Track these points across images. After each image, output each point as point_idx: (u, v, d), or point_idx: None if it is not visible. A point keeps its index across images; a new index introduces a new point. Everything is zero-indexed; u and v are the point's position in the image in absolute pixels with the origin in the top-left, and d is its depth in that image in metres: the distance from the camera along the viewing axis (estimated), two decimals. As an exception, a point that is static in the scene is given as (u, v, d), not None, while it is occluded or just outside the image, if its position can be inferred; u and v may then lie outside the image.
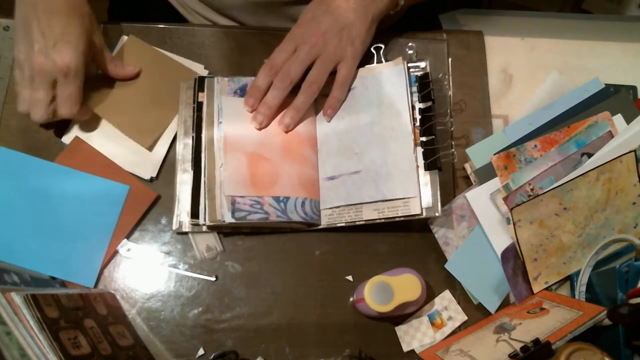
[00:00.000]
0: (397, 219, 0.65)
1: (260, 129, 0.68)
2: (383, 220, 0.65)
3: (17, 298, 0.50)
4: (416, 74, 0.69)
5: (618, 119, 0.69)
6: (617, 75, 0.77)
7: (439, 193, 0.64)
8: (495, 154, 0.68)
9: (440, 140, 0.66)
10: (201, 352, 0.64)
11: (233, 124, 0.67)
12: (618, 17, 0.84)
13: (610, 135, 0.68)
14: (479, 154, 0.69)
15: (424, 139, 0.66)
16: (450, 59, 0.76)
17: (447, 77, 0.75)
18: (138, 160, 0.68)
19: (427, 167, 0.65)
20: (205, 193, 0.63)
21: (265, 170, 0.66)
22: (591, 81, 0.73)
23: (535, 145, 0.68)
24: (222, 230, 0.67)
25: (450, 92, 0.75)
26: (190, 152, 0.67)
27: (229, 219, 0.62)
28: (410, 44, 0.70)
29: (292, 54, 0.66)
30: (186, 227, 0.66)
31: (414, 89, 0.69)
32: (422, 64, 0.70)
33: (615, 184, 0.64)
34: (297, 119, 0.68)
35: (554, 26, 0.81)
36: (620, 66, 0.79)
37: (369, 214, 0.65)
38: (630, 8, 1.27)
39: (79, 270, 0.64)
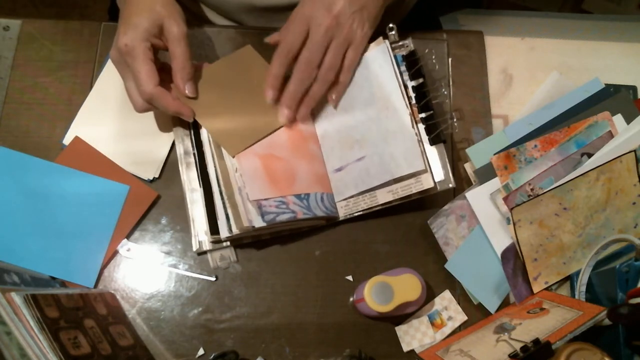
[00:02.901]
0: (412, 197, 0.64)
1: (288, 125, 0.67)
2: (399, 201, 0.65)
3: (17, 298, 0.50)
4: (402, 53, 0.68)
5: (618, 119, 0.69)
6: (617, 75, 0.77)
7: (448, 165, 0.64)
8: (495, 154, 0.68)
9: (439, 114, 0.65)
10: (201, 352, 0.64)
11: None
12: (618, 17, 0.84)
13: (610, 135, 0.68)
14: (479, 154, 0.69)
15: (423, 115, 0.66)
16: (450, 59, 0.76)
17: (446, 76, 0.75)
18: (139, 161, 0.68)
19: (432, 142, 0.65)
20: (225, 202, 0.62)
21: (281, 169, 0.65)
22: (591, 81, 0.72)
23: (535, 145, 0.68)
24: (242, 242, 0.67)
25: (451, 92, 0.75)
26: (194, 170, 0.67)
27: (259, 223, 0.61)
28: (390, 26, 0.68)
29: (305, 36, 0.64)
30: (207, 246, 0.66)
31: (403, 68, 0.68)
32: (407, 42, 0.68)
33: (615, 184, 0.64)
34: (312, 107, 0.68)
35: (554, 26, 0.81)
36: (620, 66, 0.79)
37: (383, 197, 0.65)
38: (630, 8, 1.27)
39: (79, 270, 0.64)
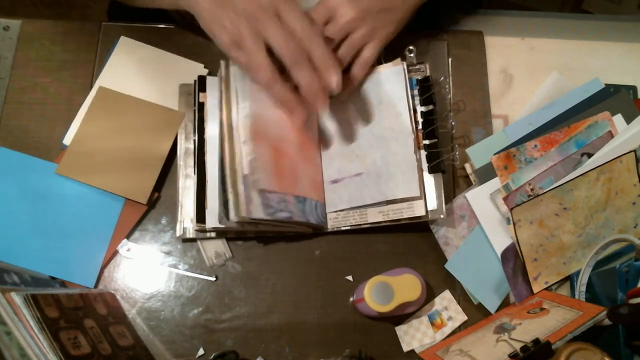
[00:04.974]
0: (401, 222, 0.65)
1: (298, 127, 0.64)
2: (388, 223, 0.65)
3: (17, 298, 0.50)
4: (417, 77, 0.69)
5: (618, 119, 0.69)
6: (617, 75, 0.77)
7: (443, 195, 0.64)
8: (495, 154, 0.68)
9: (443, 143, 0.66)
10: (201, 352, 0.64)
11: (258, 109, 0.63)
12: (618, 17, 0.84)
13: (610, 135, 0.68)
14: (479, 154, 0.69)
15: (426, 142, 0.66)
16: (450, 59, 0.76)
17: (447, 78, 0.75)
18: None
19: (431, 170, 0.65)
20: (227, 188, 0.59)
21: (286, 166, 0.64)
22: (591, 81, 0.72)
23: (535, 145, 0.68)
24: (226, 236, 0.67)
25: (451, 93, 0.75)
26: (192, 157, 0.67)
27: (259, 214, 0.59)
28: (410, 47, 0.70)
29: (324, 22, 0.62)
30: (190, 234, 0.66)
31: (415, 92, 0.69)
32: (423, 67, 0.70)
33: (615, 184, 0.64)
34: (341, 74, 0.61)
35: (554, 26, 0.81)
36: (620, 66, 0.79)
37: (373, 217, 0.65)
38: (630, 8, 1.27)
39: (79, 270, 0.64)
